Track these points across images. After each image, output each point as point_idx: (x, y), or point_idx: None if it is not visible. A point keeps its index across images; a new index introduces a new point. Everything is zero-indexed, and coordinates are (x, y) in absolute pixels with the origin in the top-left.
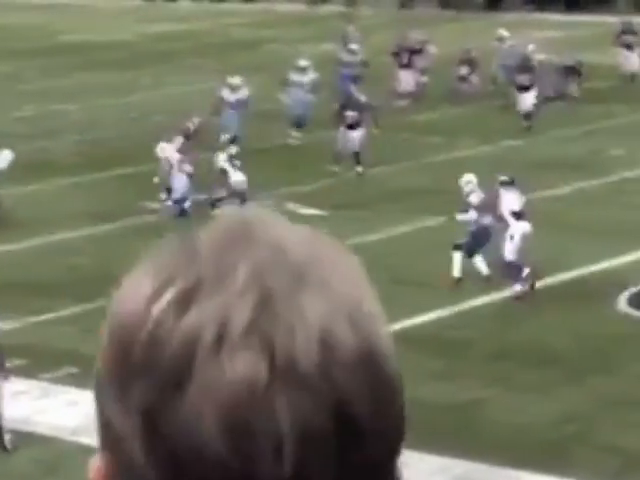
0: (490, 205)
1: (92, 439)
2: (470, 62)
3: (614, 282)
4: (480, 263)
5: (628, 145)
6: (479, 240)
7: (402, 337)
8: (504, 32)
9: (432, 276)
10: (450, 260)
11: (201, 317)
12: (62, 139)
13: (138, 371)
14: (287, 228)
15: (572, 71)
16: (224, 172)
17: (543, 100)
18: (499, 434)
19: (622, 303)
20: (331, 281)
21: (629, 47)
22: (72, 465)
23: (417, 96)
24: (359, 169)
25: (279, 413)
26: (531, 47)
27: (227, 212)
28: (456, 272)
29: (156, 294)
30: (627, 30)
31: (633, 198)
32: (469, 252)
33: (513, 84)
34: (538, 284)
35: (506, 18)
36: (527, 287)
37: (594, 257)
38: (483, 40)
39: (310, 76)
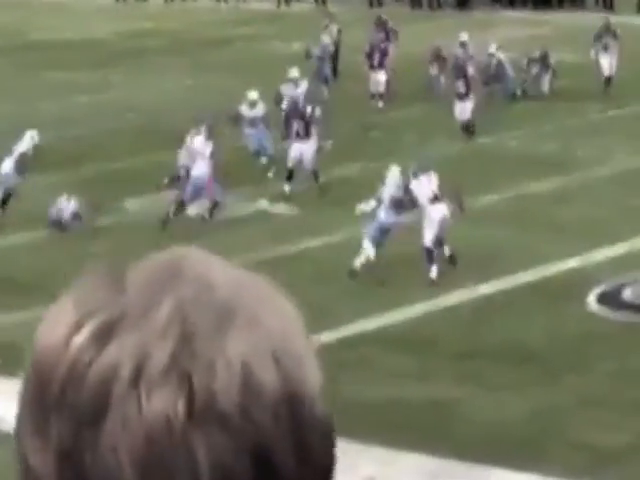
0: (405, 200)
1: None
2: (439, 59)
3: (584, 280)
4: (370, 250)
5: (597, 143)
6: (381, 236)
7: (376, 336)
8: (465, 37)
9: (405, 274)
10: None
11: (120, 353)
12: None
13: (55, 408)
14: (217, 266)
15: (542, 64)
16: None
17: (510, 97)
18: (472, 432)
19: (592, 301)
20: (257, 320)
21: (606, 49)
22: None
23: (389, 95)
24: (318, 181)
25: (197, 453)
26: (493, 46)
27: (158, 253)
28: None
29: (76, 327)
30: (606, 32)
31: (603, 196)
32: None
33: (485, 86)
34: (512, 282)
35: (476, 17)
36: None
37: (564, 255)
38: (454, 39)
39: (303, 87)
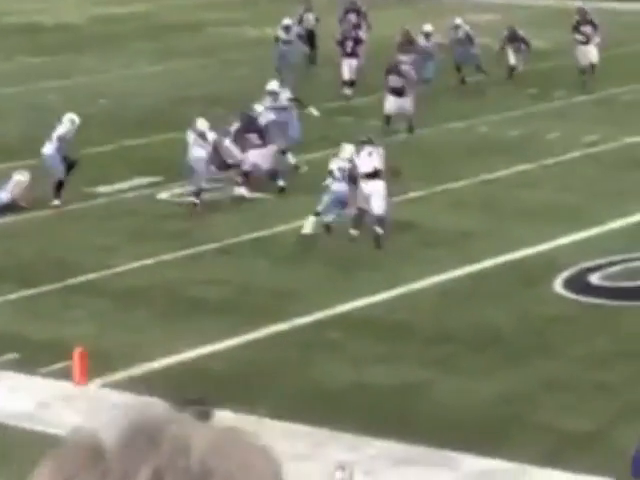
0: (351, 172)
1: (34, 424)
2: (408, 44)
3: (551, 264)
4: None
5: (565, 128)
6: (335, 205)
7: (345, 321)
8: (429, 28)
9: (374, 258)
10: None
11: None
12: (6, 122)
13: None
14: (195, 427)
15: (513, 41)
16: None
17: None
18: (442, 416)
19: (558, 285)
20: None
21: (587, 40)
22: (14, 449)
23: (360, 82)
24: (281, 183)
25: None
26: (458, 19)
27: (138, 410)
28: (306, 229)
29: None
30: (582, 21)
31: (569, 181)
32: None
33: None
34: (481, 266)
35: (447, 2)
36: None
37: (531, 240)
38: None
39: (285, 95)
